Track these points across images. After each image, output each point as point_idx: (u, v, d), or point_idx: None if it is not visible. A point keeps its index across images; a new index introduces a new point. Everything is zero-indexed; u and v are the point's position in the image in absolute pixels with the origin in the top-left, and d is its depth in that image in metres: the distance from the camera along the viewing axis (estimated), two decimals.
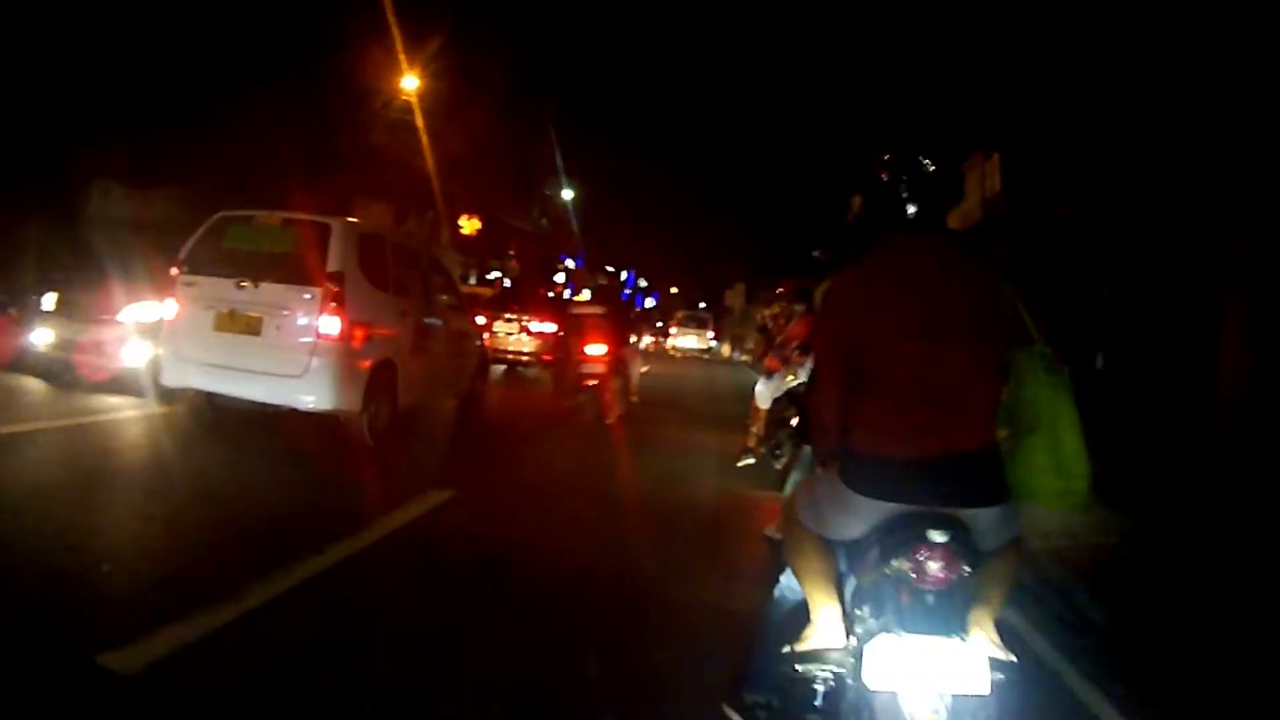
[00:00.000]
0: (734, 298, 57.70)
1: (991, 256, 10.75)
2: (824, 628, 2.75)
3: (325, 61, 19.67)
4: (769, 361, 8.78)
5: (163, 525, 4.91)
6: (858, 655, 2.52)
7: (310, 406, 7.11)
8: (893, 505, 2.47)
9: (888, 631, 2.35)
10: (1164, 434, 8.49)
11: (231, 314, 7.23)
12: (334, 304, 7.07)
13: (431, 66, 22.91)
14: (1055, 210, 10.89)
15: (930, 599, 2.34)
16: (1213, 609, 5.13)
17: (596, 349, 13.84)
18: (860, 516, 2.56)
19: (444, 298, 9.51)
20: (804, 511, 2.78)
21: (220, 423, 7.69)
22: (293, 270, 7.26)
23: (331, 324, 7.05)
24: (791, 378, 7.66)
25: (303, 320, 7.11)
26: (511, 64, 26.24)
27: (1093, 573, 5.55)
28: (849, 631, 2.71)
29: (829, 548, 2.78)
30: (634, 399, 14.21)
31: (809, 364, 6.80)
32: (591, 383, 13.72)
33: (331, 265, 7.17)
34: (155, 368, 8.13)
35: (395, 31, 20.64)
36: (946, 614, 2.35)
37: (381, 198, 26.80)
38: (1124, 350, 9.31)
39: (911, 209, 2.65)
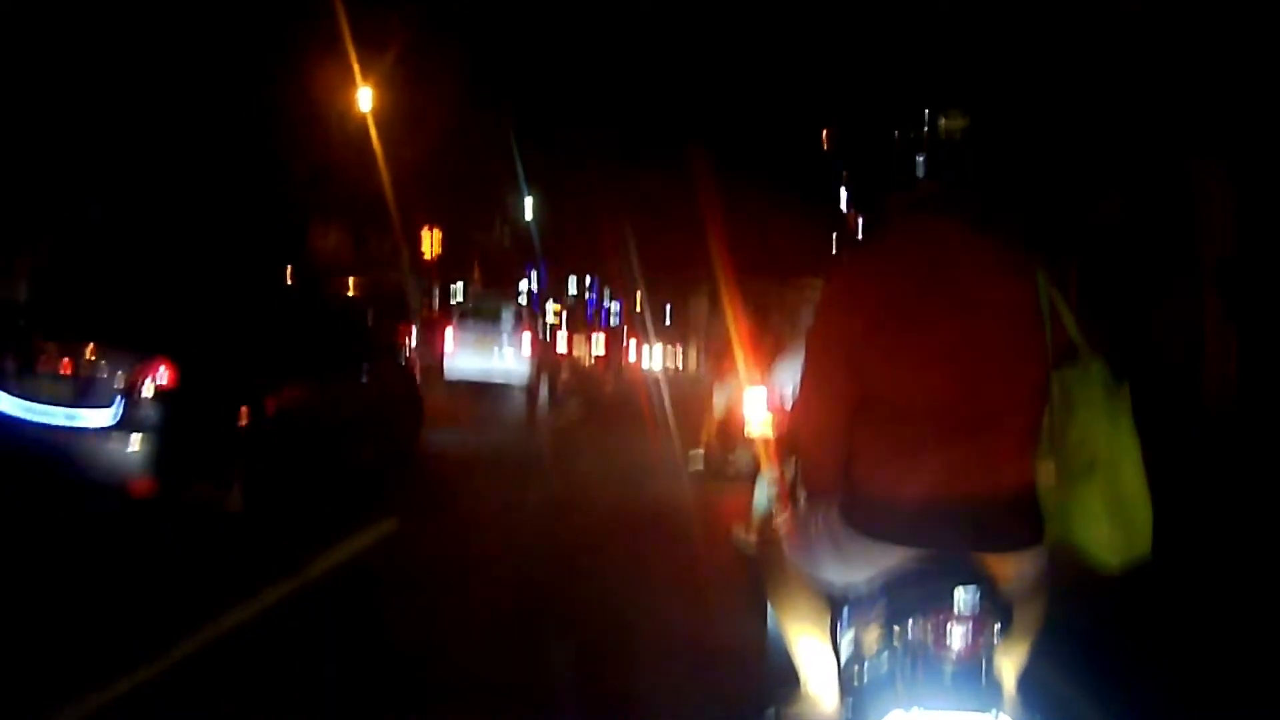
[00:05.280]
0: (698, 303, 55.95)
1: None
2: (814, 691, 2.36)
3: (276, 81, 19.20)
4: (723, 369, 9.06)
5: None
6: None
7: (519, 383, 16.81)
8: (904, 549, 2.01)
9: (900, 706, 1.89)
10: (1149, 428, 8.38)
11: (483, 340, 16.93)
12: (531, 335, 17.21)
13: (385, 83, 22.46)
14: (1039, 206, 10.79)
15: (950, 669, 1.89)
16: (1215, 612, 4.99)
17: None
18: (864, 562, 2.09)
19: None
20: (795, 550, 2.34)
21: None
22: (509, 321, 17.38)
23: (528, 345, 17.06)
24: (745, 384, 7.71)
25: (516, 344, 16.86)
26: (467, 75, 25.89)
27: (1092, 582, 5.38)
28: (844, 696, 2.29)
29: (822, 595, 2.35)
30: None
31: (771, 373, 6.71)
32: None
33: (525, 320, 17.71)
34: None
35: (350, 49, 20.19)
36: (973, 684, 1.89)
37: (340, 218, 26.27)
38: (1104, 344, 9.17)
39: (924, 181, 2.11)
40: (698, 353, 46.29)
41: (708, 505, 7.76)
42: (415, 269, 29.06)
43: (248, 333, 6.45)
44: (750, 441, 7.12)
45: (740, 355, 7.86)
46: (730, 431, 8.37)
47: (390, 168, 22.84)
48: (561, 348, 28.08)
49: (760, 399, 6.37)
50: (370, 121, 22.10)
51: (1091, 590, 4.83)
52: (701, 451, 8.69)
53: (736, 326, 8.63)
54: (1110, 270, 10.10)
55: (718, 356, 10.71)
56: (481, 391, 16.50)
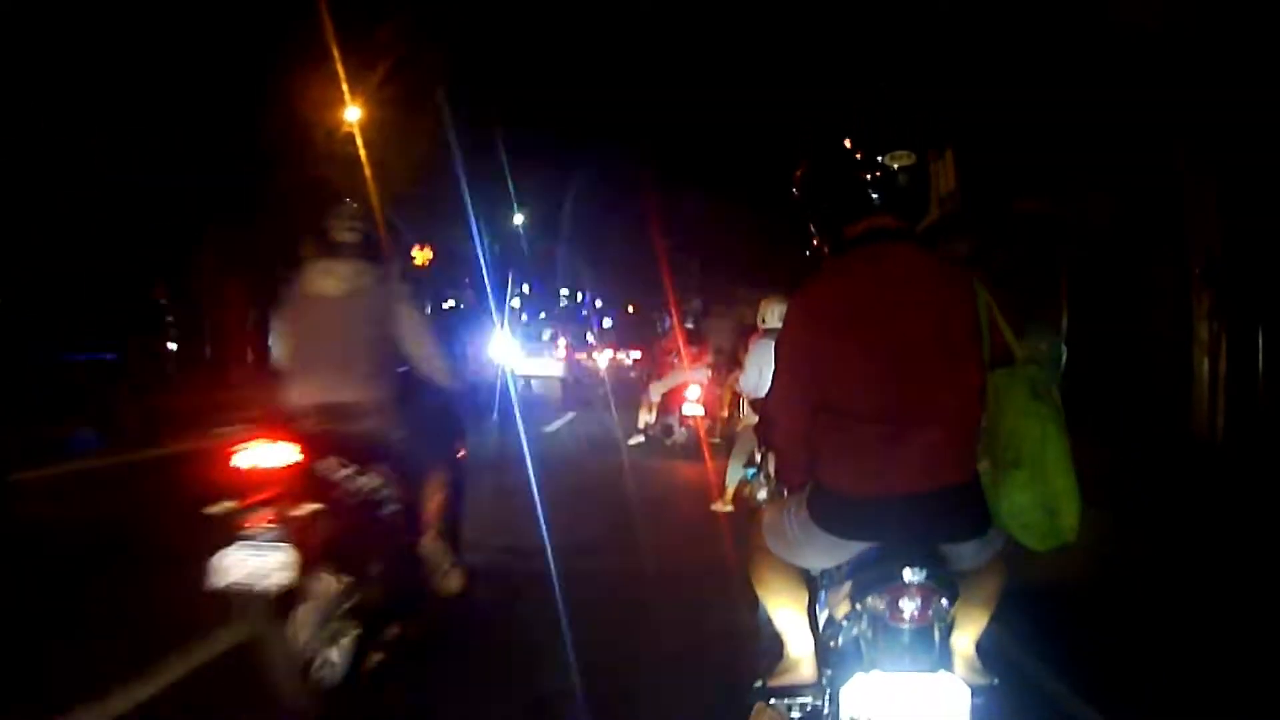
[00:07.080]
0: (689, 312, 56.05)
1: (952, 253, 10.76)
2: (796, 663, 2.65)
3: (265, 97, 19.26)
4: (661, 367, 12.25)
5: None
6: (832, 693, 2.39)
7: (558, 377, 23.02)
8: (867, 544, 2.35)
9: (863, 670, 2.22)
10: (1136, 428, 8.48)
11: (532, 348, 23.83)
12: (567, 346, 25.07)
13: (374, 96, 22.53)
14: (1018, 207, 10.87)
15: (906, 636, 2.22)
16: (1198, 609, 5.07)
17: None
18: (832, 552, 2.46)
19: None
20: (773, 539, 2.66)
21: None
22: (549, 337, 26.04)
23: (563, 352, 24.35)
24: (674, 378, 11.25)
25: (554, 351, 24.31)
26: (456, 89, 25.96)
27: (1070, 573, 5.45)
28: (823, 664, 2.61)
29: (800, 577, 2.68)
30: None
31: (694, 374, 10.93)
32: None
33: (559, 337, 26.07)
34: None
35: (338, 64, 20.25)
36: (925, 649, 2.22)
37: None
38: (1089, 345, 9.11)
39: (877, 213, 2.41)
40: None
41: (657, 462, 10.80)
42: (406, 281, 29.01)
43: None
44: (686, 420, 11.17)
45: (680, 357, 11.29)
46: (669, 414, 11.30)
47: (379, 183, 22.92)
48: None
49: (697, 391, 10.90)
50: (359, 136, 22.21)
51: (1074, 587, 5.03)
52: (639, 433, 11.72)
53: (678, 334, 12.29)
54: (1099, 273, 10.10)
55: (653, 360, 14.56)
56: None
